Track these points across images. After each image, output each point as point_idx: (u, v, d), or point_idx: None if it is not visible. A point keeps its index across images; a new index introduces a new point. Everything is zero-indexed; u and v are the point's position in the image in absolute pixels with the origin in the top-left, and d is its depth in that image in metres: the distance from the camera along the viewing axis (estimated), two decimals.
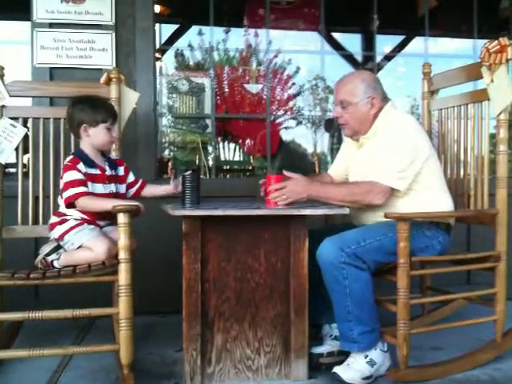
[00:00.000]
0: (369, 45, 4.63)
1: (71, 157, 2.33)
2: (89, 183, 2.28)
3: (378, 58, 4.69)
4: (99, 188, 2.32)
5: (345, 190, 2.28)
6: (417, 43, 4.87)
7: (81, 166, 2.28)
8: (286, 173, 2.29)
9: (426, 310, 2.84)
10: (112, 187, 2.39)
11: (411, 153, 2.26)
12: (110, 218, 2.33)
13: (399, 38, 5.14)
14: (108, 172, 2.40)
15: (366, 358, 2.20)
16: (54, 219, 2.33)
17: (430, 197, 2.34)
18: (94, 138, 2.34)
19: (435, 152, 2.44)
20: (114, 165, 2.46)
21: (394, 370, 2.21)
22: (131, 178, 2.53)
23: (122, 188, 2.48)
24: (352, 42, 5.22)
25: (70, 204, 2.24)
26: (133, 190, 2.52)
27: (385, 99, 2.43)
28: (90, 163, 2.32)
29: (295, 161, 5.68)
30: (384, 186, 2.24)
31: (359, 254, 2.14)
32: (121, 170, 2.50)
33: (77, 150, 2.41)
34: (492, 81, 2.38)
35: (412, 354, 2.20)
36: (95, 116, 2.33)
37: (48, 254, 2.28)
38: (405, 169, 2.25)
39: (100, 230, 2.32)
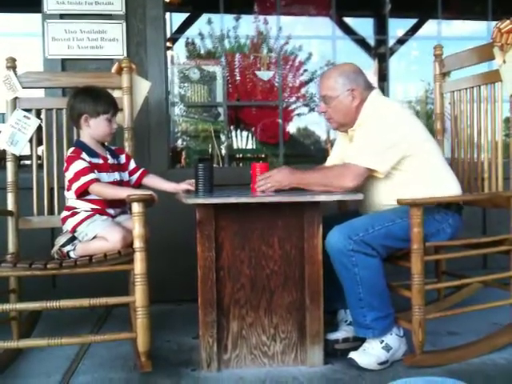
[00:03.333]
0: (381, 28, 4.57)
1: (73, 148, 2.35)
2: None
3: (391, 42, 4.63)
4: (103, 177, 2.34)
5: (320, 174, 2.29)
6: (430, 26, 4.80)
7: (84, 155, 2.30)
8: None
9: (441, 294, 2.83)
10: (116, 175, 2.41)
11: (391, 136, 2.24)
12: (119, 205, 2.35)
13: (412, 22, 5.08)
14: (110, 161, 2.42)
15: (381, 343, 2.20)
16: (64, 213, 2.35)
17: (434, 180, 2.31)
18: (94, 128, 2.36)
19: (429, 136, 2.39)
20: (114, 154, 2.48)
21: (410, 356, 2.21)
22: (132, 165, 2.54)
23: (126, 176, 2.50)
24: (364, 26, 5.16)
25: (83, 193, 2.26)
26: (134, 178, 2.53)
27: (368, 88, 2.40)
28: (91, 153, 2.34)
29: (308, 148, 5.66)
30: (356, 166, 2.22)
31: (368, 240, 2.13)
32: (122, 158, 2.51)
33: (77, 141, 2.43)
34: (504, 61, 2.34)
35: (428, 339, 2.20)
36: (96, 107, 2.34)
37: (63, 245, 2.30)
38: (382, 150, 2.22)
39: (113, 219, 2.34)
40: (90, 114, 2.34)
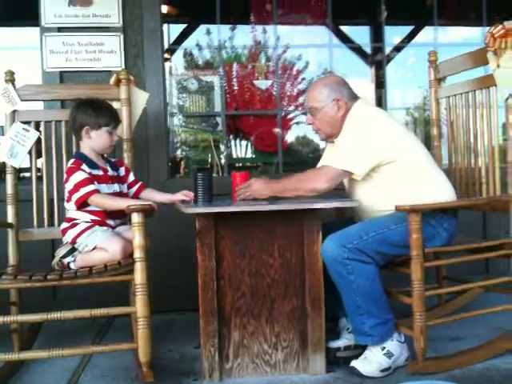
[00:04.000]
0: (377, 36, 4.59)
1: (73, 159, 2.36)
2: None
3: (387, 50, 4.65)
4: (103, 188, 2.34)
5: (293, 179, 2.32)
6: (426, 33, 4.82)
7: (84, 167, 2.31)
8: None
9: (443, 299, 2.82)
10: (115, 187, 2.42)
11: (369, 140, 2.24)
12: (119, 216, 2.36)
13: (408, 29, 5.10)
14: (110, 172, 2.43)
15: (382, 349, 2.20)
16: (64, 225, 2.36)
17: (426, 185, 2.31)
18: (95, 140, 2.37)
19: (417, 142, 2.39)
20: (114, 166, 2.49)
21: (413, 362, 2.20)
22: (131, 177, 2.55)
23: (125, 188, 2.51)
24: (360, 34, 5.18)
25: (82, 204, 2.26)
26: (133, 191, 2.54)
27: (353, 99, 2.42)
28: (92, 165, 2.35)
29: (306, 156, 5.66)
30: (330, 168, 2.24)
31: (362, 248, 2.13)
32: (122, 171, 2.53)
33: (77, 152, 2.44)
34: (498, 66, 2.35)
35: (430, 345, 2.19)
36: (98, 119, 2.35)
37: (64, 257, 2.31)
38: (358, 153, 2.23)
39: (112, 230, 2.34)
40: (92, 126, 2.35)
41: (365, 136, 2.26)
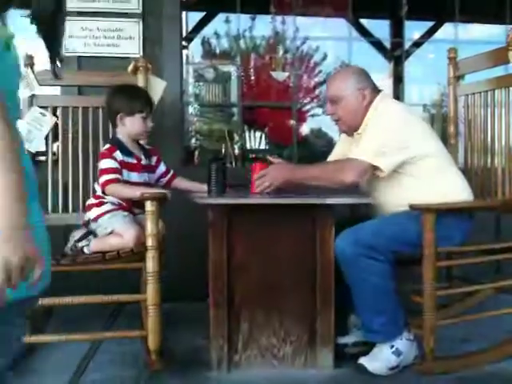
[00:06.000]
0: (397, 31, 4.56)
1: (108, 145, 2.37)
2: (125, 171, 2.32)
3: (407, 45, 4.61)
4: (134, 176, 2.37)
5: (319, 168, 2.29)
6: (447, 29, 4.77)
7: (117, 154, 2.32)
8: (270, 158, 2.43)
9: (454, 299, 2.80)
10: (145, 176, 2.44)
11: (399, 137, 2.22)
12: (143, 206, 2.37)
13: (429, 24, 5.05)
14: (143, 161, 2.44)
15: (391, 347, 2.19)
16: (91, 201, 2.39)
17: (444, 185, 2.29)
18: (129, 127, 2.38)
19: (438, 141, 2.37)
20: (148, 154, 2.50)
21: (421, 362, 2.20)
22: (162, 168, 2.56)
23: (153, 177, 2.52)
24: (380, 28, 5.14)
25: (103, 191, 2.29)
26: (164, 180, 2.56)
27: (376, 91, 2.40)
28: (126, 152, 2.37)
29: (321, 149, 5.65)
30: (360, 162, 2.19)
31: (375, 245, 2.12)
32: (153, 160, 2.54)
33: (113, 137, 2.44)
34: None
35: (439, 346, 2.18)
36: (132, 105, 2.36)
37: (78, 240, 2.33)
38: (388, 149, 2.19)
39: (133, 217, 2.36)
40: (126, 113, 2.36)
41: (393, 132, 2.23)
